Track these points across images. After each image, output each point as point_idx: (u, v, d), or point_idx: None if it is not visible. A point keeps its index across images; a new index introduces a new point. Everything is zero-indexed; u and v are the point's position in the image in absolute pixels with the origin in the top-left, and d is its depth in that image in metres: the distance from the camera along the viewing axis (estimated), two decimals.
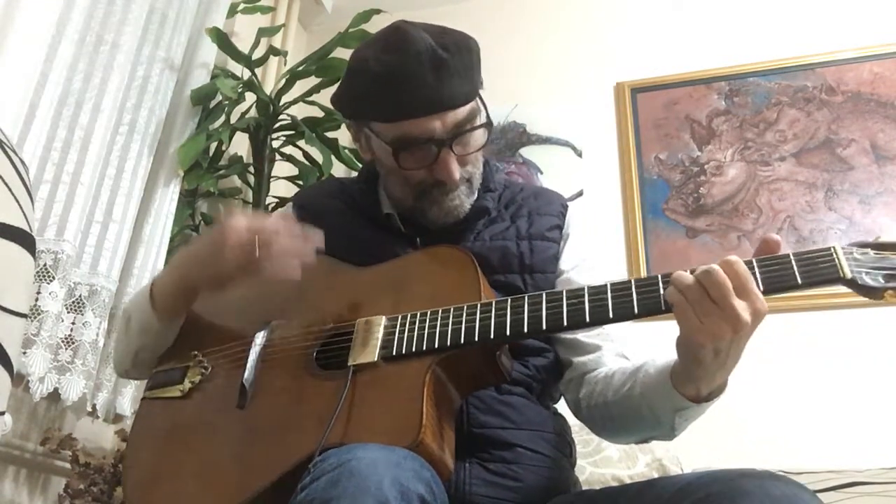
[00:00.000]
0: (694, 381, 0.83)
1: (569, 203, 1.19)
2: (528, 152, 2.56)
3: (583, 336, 1.06)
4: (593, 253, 1.15)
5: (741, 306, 0.74)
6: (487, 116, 1.07)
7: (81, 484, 1.60)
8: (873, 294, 0.75)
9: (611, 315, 0.82)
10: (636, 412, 0.93)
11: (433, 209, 1.06)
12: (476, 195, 1.11)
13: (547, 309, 0.85)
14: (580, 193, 2.43)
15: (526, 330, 0.86)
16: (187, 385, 1.02)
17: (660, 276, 0.82)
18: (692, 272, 0.77)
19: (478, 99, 1.06)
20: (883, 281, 0.74)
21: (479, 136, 1.06)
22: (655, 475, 1.63)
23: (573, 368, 1.06)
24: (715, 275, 0.74)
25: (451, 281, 0.95)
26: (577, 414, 1.07)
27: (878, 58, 2.34)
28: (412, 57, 0.98)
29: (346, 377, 0.87)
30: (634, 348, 1.11)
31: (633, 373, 0.96)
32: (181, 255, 1.09)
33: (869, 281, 0.74)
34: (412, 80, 0.98)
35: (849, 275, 0.75)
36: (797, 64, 2.41)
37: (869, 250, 0.77)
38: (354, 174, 2.30)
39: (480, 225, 1.10)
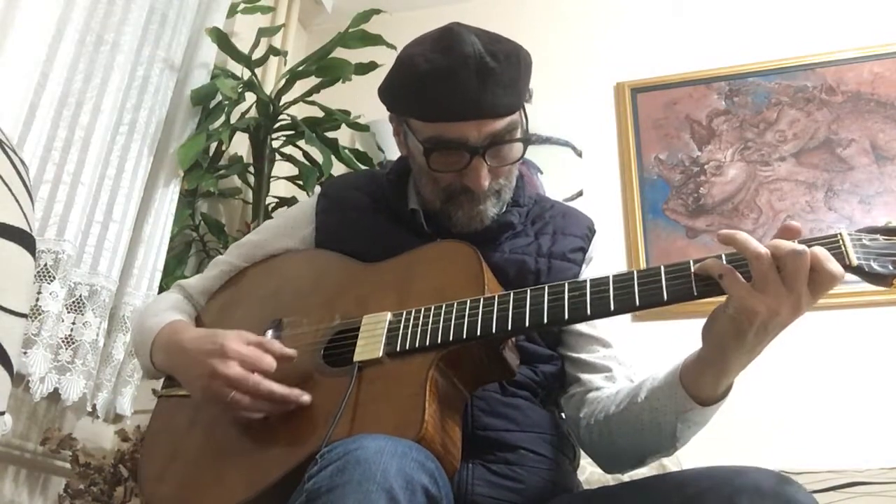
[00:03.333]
0: (716, 367, 0.82)
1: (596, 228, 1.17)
2: (528, 152, 2.55)
3: (590, 356, 1.05)
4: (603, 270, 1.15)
5: (807, 296, 0.74)
6: (527, 131, 1.05)
7: (81, 484, 1.60)
8: (881, 281, 0.73)
9: (612, 307, 0.81)
10: (636, 421, 0.92)
11: (458, 213, 1.06)
12: (504, 208, 1.10)
13: (549, 302, 0.85)
14: (580, 193, 2.43)
15: (528, 324, 0.85)
16: None
17: (662, 267, 0.81)
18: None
19: (521, 112, 1.04)
20: (892, 268, 0.72)
21: (515, 150, 1.05)
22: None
23: (579, 384, 1.05)
24: (802, 258, 0.72)
25: (456, 276, 0.95)
26: (574, 433, 1.04)
27: (878, 58, 2.34)
28: (459, 60, 0.97)
29: (352, 374, 0.88)
30: (631, 349, 1.11)
31: (639, 384, 0.95)
32: (177, 352, 1.01)
33: (877, 268, 0.72)
34: (454, 82, 0.97)
35: (854, 262, 0.73)
36: (797, 64, 2.41)
37: (878, 236, 0.75)
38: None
39: (503, 237, 1.09)
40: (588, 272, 1.11)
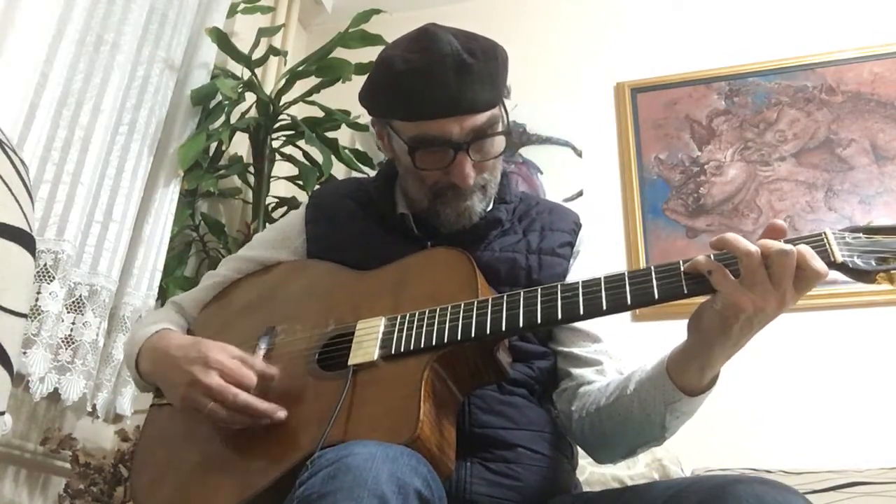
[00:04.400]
0: (701, 358, 0.83)
1: (582, 222, 1.18)
2: (527, 152, 2.56)
3: (581, 350, 1.06)
4: (600, 270, 1.15)
5: (792, 292, 0.76)
6: (508, 125, 1.07)
7: (81, 484, 1.60)
8: (865, 277, 0.76)
9: (604, 307, 0.83)
10: (626, 412, 0.93)
11: (446, 211, 1.07)
12: (490, 203, 1.12)
13: (542, 304, 0.86)
14: (580, 193, 2.43)
15: (521, 325, 0.86)
16: None
17: (653, 268, 0.83)
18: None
19: (500, 106, 1.06)
20: (875, 264, 0.75)
21: (497, 143, 1.06)
22: (656, 476, 1.63)
23: (570, 378, 1.06)
24: (789, 257, 0.75)
25: (450, 281, 0.96)
26: (566, 427, 1.05)
27: (878, 58, 2.34)
28: (436, 59, 0.99)
29: (346, 377, 0.88)
30: (626, 349, 1.12)
31: (628, 376, 0.96)
32: (161, 358, 1.02)
33: (861, 264, 0.75)
34: (434, 81, 0.99)
35: (839, 259, 0.76)
36: (797, 64, 2.41)
37: (860, 234, 0.78)
38: (355, 174, 2.33)
39: (492, 235, 1.10)
40: (576, 266, 1.12)
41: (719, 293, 0.78)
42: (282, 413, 0.90)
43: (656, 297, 0.80)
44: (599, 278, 0.85)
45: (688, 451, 1.65)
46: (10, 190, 0.75)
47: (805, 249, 0.75)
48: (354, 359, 0.91)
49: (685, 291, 0.80)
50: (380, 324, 0.93)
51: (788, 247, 0.75)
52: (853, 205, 2.20)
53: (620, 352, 1.10)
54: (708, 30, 2.56)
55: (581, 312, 0.84)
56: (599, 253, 1.20)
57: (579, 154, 2.52)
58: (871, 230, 0.78)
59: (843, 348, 2.02)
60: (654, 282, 0.81)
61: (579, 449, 1.09)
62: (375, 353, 0.90)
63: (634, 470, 1.65)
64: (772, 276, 0.75)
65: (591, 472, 1.62)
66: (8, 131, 1.48)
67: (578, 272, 1.11)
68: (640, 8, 2.67)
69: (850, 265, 0.75)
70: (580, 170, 2.49)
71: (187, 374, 0.93)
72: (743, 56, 2.47)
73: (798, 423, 1.97)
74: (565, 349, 1.07)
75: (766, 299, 0.76)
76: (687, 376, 0.85)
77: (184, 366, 0.94)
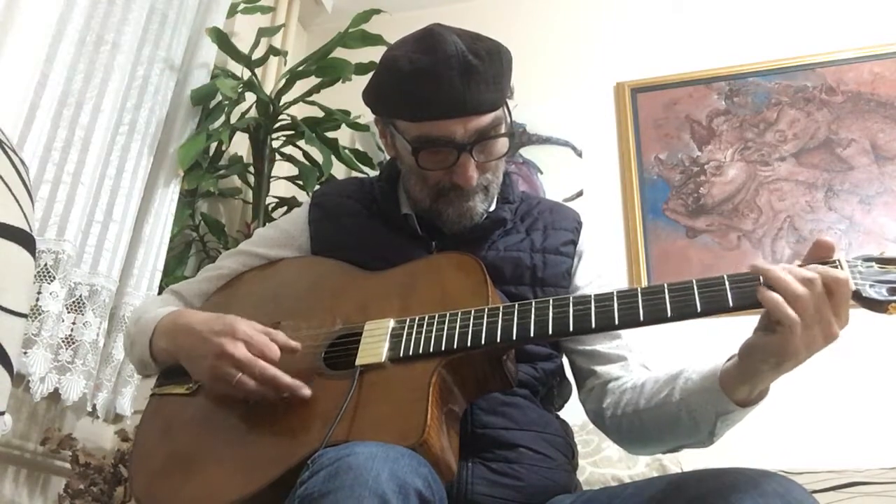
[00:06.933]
0: (752, 384, 0.84)
1: (582, 221, 1.19)
2: (527, 152, 2.56)
3: (604, 347, 1.07)
4: (606, 269, 1.16)
5: (837, 322, 0.76)
6: (512, 126, 1.08)
7: (81, 484, 1.60)
8: (877, 307, 0.75)
9: (616, 321, 0.83)
10: (673, 418, 0.94)
11: (448, 210, 1.07)
12: (493, 203, 1.12)
13: (553, 314, 0.86)
14: (580, 193, 2.43)
15: (532, 334, 0.86)
16: (195, 383, 1.02)
17: (665, 285, 0.83)
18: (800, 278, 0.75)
19: (504, 108, 1.06)
20: (887, 294, 0.75)
21: (501, 145, 1.07)
22: (655, 475, 1.63)
23: (596, 377, 1.06)
24: (843, 284, 0.75)
25: (460, 286, 0.96)
26: (599, 423, 1.06)
27: (878, 58, 2.34)
28: (441, 59, 0.99)
29: (353, 377, 0.88)
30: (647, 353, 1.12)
31: (668, 380, 0.96)
32: (185, 333, 1.01)
33: (873, 294, 0.75)
34: (439, 82, 0.99)
35: (852, 287, 0.75)
36: (797, 64, 2.41)
37: (873, 263, 0.78)
38: (355, 174, 2.33)
39: (496, 235, 1.11)
40: (583, 266, 1.13)
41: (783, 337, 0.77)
42: (306, 390, 0.91)
43: (668, 314, 0.81)
44: (612, 293, 0.85)
45: (688, 451, 1.65)
46: (10, 190, 0.75)
47: (842, 274, 0.75)
48: (362, 359, 0.90)
49: (698, 311, 0.80)
50: (388, 325, 0.93)
51: (842, 275, 0.75)
52: (853, 205, 2.20)
53: (640, 345, 1.10)
54: (708, 30, 2.56)
55: (593, 325, 0.84)
56: (599, 253, 1.20)
57: (579, 154, 2.52)
58: (884, 260, 0.78)
59: (844, 348, 2.02)
60: (668, 299, 0.81)
61: (579, 449, 1.09)
62: (384, 355, 0.90)
63: (634, 470, 1.65)
64: (830, 309, 0.75)
65: (591, 472, 1.62)
66: (8, 131, 1.48)
67: (587, 271, 1.12)
68: (640, 8, 2.67)
69: (863, 294, 0.75)
70: (580, 170, 2.49)
71: (216, 346, 0.93)
72: (743, 56, 2.47)
73: (798, 422, 1.97)
74: (588, 347, 1.07)
75: (817, 340, 0.76)
76: (739, 393, 0.86)
77: (211, 338, 0.94)
